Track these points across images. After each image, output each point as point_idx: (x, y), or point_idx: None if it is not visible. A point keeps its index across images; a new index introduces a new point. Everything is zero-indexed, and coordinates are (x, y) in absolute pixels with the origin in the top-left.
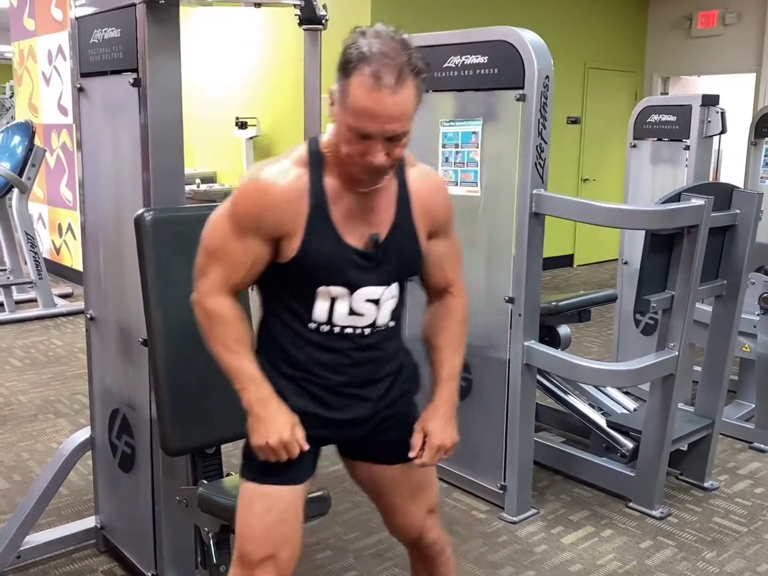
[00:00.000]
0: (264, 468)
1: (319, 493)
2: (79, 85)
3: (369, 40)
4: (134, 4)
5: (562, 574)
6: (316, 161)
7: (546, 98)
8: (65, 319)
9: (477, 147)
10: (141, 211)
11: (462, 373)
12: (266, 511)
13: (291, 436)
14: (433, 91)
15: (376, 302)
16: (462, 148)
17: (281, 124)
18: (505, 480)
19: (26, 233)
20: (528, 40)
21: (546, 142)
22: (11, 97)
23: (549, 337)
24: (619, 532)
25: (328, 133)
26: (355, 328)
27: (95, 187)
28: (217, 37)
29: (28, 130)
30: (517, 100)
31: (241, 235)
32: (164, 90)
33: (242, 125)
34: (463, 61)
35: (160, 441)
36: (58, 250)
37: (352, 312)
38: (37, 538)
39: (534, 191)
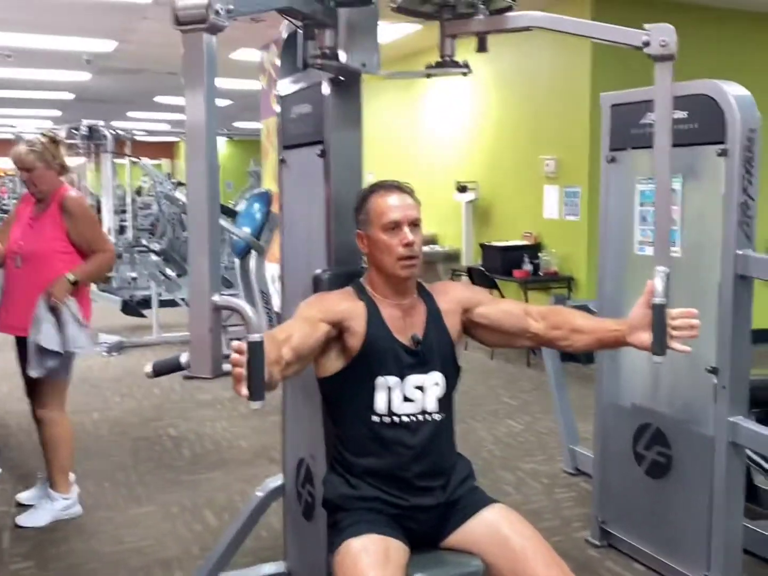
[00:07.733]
0: (352, 525)
1: (475, 564)
2: (281, 158)
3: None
4: (321, 82)
5: None
6: (357, 286)
7: (751, 152)
8: None
9: (676, 205)
10: (319, 270)
11: (661, 448)
12: (367, 556)
13: None
14: (631, 148)
15: (422, 389)
16: None
17: (499, 188)
18: (709, 569)
19: (261, 291)
20: (730, 92)
21: (753, 199)
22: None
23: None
24: None
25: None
26: (410, 415)
27: (292, 246)
28: (436, 104)
29: (266, 198)
30: (719, 155)
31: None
32: (345, 160)
33: (462, 189)
34: None
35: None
36: None
37: (405, 399)
38: None
39: (739, 252)
